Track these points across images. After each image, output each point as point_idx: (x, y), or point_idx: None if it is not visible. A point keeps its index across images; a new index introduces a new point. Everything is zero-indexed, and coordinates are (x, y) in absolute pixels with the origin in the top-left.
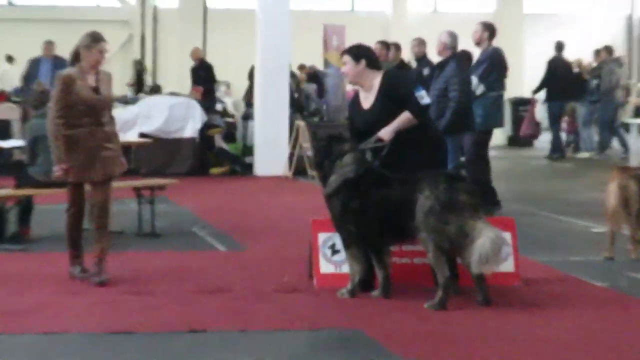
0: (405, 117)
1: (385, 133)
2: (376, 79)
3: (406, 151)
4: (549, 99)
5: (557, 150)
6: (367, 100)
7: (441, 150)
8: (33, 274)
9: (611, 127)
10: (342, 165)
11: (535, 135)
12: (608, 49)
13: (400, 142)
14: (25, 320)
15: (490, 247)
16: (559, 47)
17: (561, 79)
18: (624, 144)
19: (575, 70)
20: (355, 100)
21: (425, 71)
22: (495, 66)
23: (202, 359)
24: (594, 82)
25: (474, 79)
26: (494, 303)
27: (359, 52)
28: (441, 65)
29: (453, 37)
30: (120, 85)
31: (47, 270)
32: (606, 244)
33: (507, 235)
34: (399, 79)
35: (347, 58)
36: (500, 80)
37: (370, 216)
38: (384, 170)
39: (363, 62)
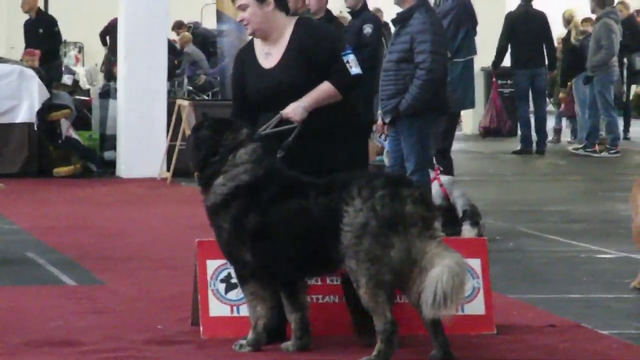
0: (325, 89)
1: (294, 110)
2: (287, 28)
3: (320, 140)
4: (514, 67)
5: (526, 141)
6: (270, 57)
7: (365, 141)
8: None
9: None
10: (235, 164)
11: (499, 128)
12: None
13: (312, 127)
14: None
15: (450, 280)
16: None
17: (528, 40)
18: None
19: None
20: (247, 56)
21: (367, 29)
22: (463, 19)
23: None
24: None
25: None
26: (459, 357)
27: None
28: (402, 19)
29: None
30: None
31: None
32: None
33: (475, 263)
34: (322, 31)
35: None
36: (471, 39)
37: (275, 240)
38: (290, 168)
39: (271, 3)
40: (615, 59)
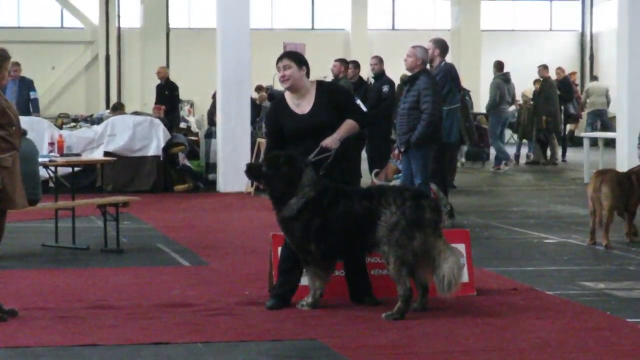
0: (350, 124)
1: (332, 142)
2: (312, 87)
3: (343, 160)
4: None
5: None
6: (301, 106)
7: (358, 162)
8: None
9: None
10: (302, 186)
11: None
12: (499, 64)
13: (339, 151)
14: None
15: (458, 272)
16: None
17: None
18: (502, 157)
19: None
20: (281, 106)
21: (385, 88)
22: (448, 80)
23: None
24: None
25: None
26: (450, 313)
27: (301, 59)
28: (412, 80)
29: (426, 51)
30: (87, 104)
31: (11, 285)
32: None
33: (461, 246)
34: (339, 86)
35: (289, 62)
36: (454, 93)
37: (331, 233)
38: (338, 183)
39: (304, 69)
40: (504, 106)
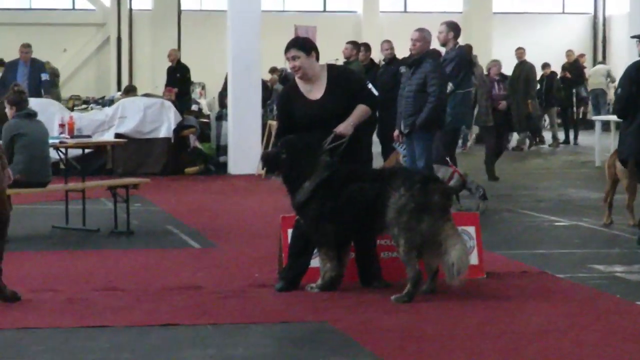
0: (363, 109)
1: (346, 128)
2: (323, 71)
3: (355, 144)
4: None
5: None
6: (313, 92)
7: (369, 142)
8: (7, 272)
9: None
10: (316, 169)
11: None
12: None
13: (352, 136)
14: None
15: (465, 260)
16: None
17: None
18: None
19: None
20: (293, 92)
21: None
22: (463, 64)
23: (175, 353)
24: None
25: None
26: (459, 296)
27: (308, 45)
28: (417, 62)
29: (430, 33)
30: (99, 86)
31: (21, 268)
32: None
33: (471, 229)
34: (350, 71)
35: (297, 52)
36: (468, 77)
37: (346, 211)
38: (348, 165)
39: (313, 54)
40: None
